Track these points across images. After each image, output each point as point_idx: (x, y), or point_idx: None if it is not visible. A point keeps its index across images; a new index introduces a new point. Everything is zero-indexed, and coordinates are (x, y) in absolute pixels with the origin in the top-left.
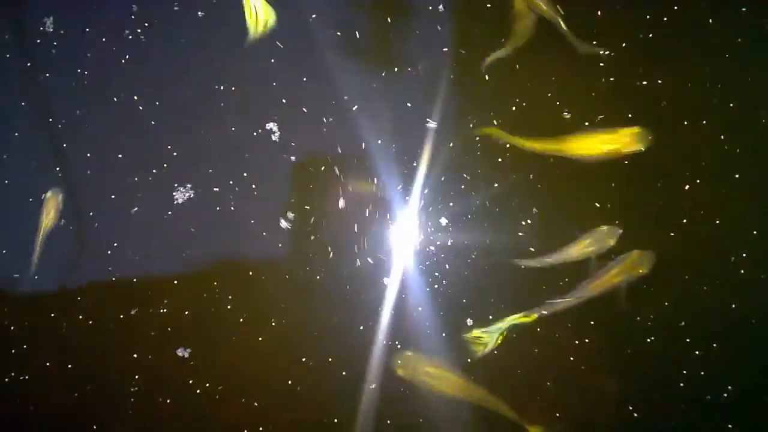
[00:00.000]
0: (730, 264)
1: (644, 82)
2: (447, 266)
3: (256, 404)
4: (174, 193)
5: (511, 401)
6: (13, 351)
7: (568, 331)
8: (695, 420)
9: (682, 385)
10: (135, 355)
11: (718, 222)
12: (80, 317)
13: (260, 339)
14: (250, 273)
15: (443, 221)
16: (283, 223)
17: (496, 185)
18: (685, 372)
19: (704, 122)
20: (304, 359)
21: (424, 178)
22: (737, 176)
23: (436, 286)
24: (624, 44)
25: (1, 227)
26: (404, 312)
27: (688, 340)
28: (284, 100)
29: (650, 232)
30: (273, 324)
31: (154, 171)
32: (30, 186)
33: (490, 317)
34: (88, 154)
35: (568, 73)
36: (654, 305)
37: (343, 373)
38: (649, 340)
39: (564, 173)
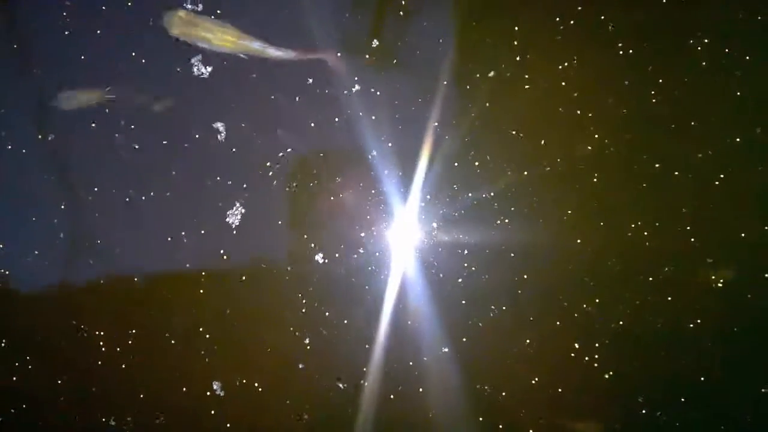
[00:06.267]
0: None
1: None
2: (446, 265)
3: (253, 404)
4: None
5: (514, 399)
6: (11, 351)
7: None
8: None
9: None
10: (133, 357)
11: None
12: (79, 317)
13: (259, 339)
14: (249, 273)
15: (443, 220)
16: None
17: (495, 184)
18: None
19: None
20: (302, 360)
21: (424, 177)
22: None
23: (436, 285)
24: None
25: (2, 226)
26: (404, 311)
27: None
28: (282, 99)
29: (656, 230)
30: (271, 324)
31: (153, 170)
32: (31, 185)
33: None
34: (87, 151)
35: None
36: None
37: (342, 373)
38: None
39: (563, 172)
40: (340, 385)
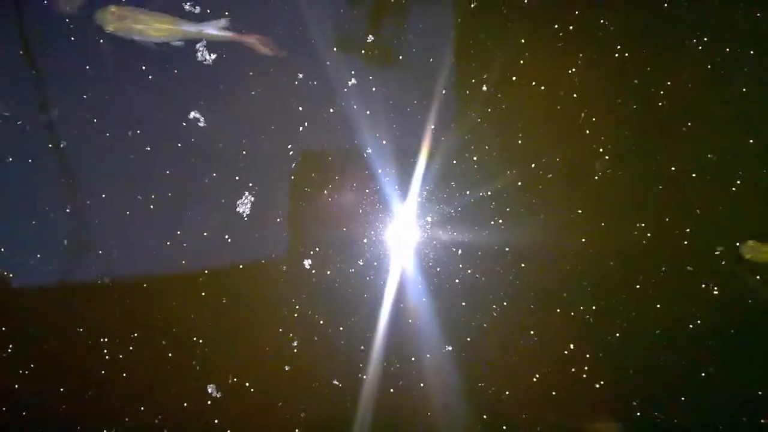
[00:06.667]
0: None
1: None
2: (445, 264)
3: (252, 403)
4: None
5: (513, 401)
6: (10, 353)
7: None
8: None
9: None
10: (132, 359)
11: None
12: (77, 318)
13: (253, 339)
14: (249, 273)
15: (441, 219)
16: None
17: (494, 183)
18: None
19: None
20: (301, 359)
21: (422, 175)
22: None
23: (434, 284)
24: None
25: (1, 226)
26: (403, 311)
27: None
28: (281, 98)
29: (657, 233)
30: (265, 325)
31: (153, 171)
32: (30, 185)
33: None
34: (85, 152)
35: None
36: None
37: (342, 372)
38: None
39: (562, 172)
40: (337, 383)
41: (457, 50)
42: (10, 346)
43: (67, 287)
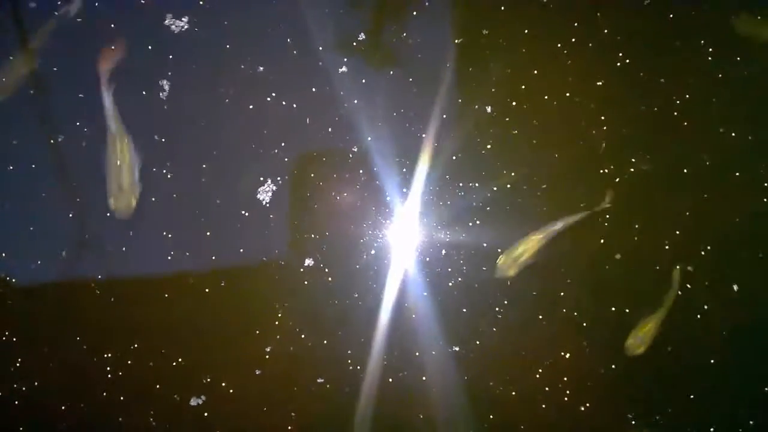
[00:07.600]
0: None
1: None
2: (446, 266)
3: (252, 406)
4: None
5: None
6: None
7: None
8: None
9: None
10: (130, 363)
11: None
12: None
13: (256, 339)
14: (247, 273)
15: (443, 220)
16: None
17: (495, 184)
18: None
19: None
20: (300, 360)
21: (425, 178)
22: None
23: (435, 286)
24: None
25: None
26: (403, 312)
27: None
28: (281, 98)
29: (661, 234)
30: (258, 325)
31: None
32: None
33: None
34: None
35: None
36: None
37: (341, 373)
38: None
39: (566, 171)
40: (336, 382)
41: (459, 49)
42: (19, 360)
43: (68, 291)
